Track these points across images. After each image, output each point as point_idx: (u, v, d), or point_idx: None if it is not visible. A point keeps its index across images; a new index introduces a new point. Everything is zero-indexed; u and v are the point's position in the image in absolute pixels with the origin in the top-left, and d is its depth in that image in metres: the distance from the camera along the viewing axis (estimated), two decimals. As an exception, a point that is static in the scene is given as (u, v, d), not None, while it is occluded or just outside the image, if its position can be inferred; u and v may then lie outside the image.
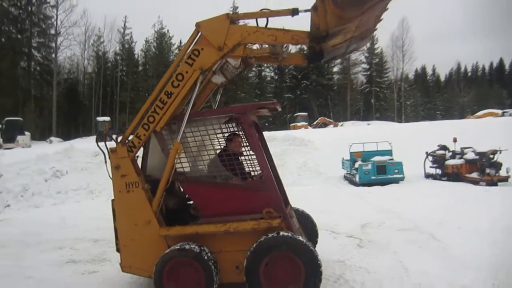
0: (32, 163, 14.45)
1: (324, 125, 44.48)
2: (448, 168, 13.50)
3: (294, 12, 4.13)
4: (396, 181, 13.44)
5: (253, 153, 4.64)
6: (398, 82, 63.17)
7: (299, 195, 10.96)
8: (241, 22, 4.52)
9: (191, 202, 5.00)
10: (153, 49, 60.99)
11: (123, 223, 4.59)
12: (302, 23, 4.24)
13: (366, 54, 65.55)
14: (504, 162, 12.46)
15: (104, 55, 58.51)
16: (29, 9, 52.24)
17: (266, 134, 22.19)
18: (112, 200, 4.68)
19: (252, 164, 5.07)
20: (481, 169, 12.59)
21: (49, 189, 13.24)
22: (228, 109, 4.78)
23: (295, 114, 50.65)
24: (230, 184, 4.43)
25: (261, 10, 4.33)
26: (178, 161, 4.48)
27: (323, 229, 7.23)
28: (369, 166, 13.52)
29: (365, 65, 66.92)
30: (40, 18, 53.34)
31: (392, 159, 14.06)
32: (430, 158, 14.52)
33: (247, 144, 4.85)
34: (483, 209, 8.38)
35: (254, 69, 62.92)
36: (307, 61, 4.74)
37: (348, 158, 15.16)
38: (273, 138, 19.76)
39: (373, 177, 13.38)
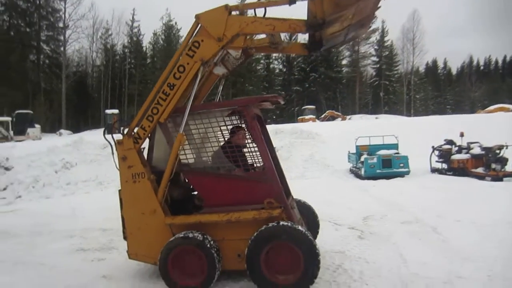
0: (42, 155, 14.73)
1: (332, 118, 44.32)
2: (454, 162, 13.49)
3: (292, 1, 4.20)
4: (401, 175, 13.47)
5: (256, 145, 4.76)
6: (408, 75, 62.59)
7: (305, 187, 11.17)
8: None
9: (195, 192, 5.15)
10: (161, 42, 61.18)
11: (129, 212, 4.76)
12: (300, 12, 4.31)
13: (376, 47, 65.09)
14: (511, 157, 12.43)
15: (112, 48, 58.87)
16: (37, 2, 52.63)
17: (273, 126, 22.40)
18: (119, 190, 4.84)
19: (256, 156, 5.20)
20: (487, 164, 12.55)
21: (59, 181, 13.52)
22: (231, 102, 4.89)
23: (303, 107, 50.44)
24: (232, 175, 4.56)
25: (259, 0, 4.42)
26: (183, 152, 4.63)
27: (326, 220, 7.38)
28: (375, 160, 13.56)
29: (374, 58, 66.39)
30: (49, 11, 53.77)
31: (398, 153, 14.07)
32: (436, 152, 14.51)
33: (250, 136, 4.98)
34: (486, 203, 8.42)
35: (262, 61, 62.87)
36: (307, 50, 4.85)
37: (354, 151, 15.21)
38: (281, 131, 19.85)
39: (378, 171, 13.43)
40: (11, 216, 9.85)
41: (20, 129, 33.04)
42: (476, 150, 13.18)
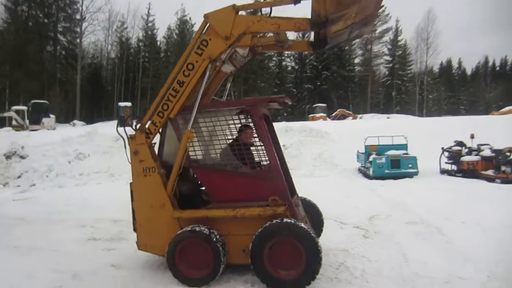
0: (56, 145, 15.09)
1: (343, 117, 44.21)
2: (463, 164, 13.43)
3: (296, 0, 4.34)
4: (410, 175, 13.45)
5: (262, 144, 4.89)
6: (421, 75, 61.92)
7: (313, 186, 11.27)
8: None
9: (203, 188, 5.31)
10: (175, 36, 61.52)
11: (140, 204, 4.94)
12: (305, 11, 4.46)
13: (389, 46, 64.44)
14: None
15: (127, 41, 59.45)
16: (56, -7, 53.50)
17: (283, 124, 22.46)
18: (131, 183, 5.03)
19: (262, 154, 5.33)
20: (497, 166, 12.48)
21: (72, 171, 13.84)
22: (240, 101, 5.04)
23: (314, 105, 50.31)
24: (239, 172, 4.71)
25: (265, 0, 4.56)
26: (192, 149, 4.79)
27: (332, 219, 7.48)
28: (383, 160, 13.57)
29: (387, 57, 65.78)
30: (66, 3, 54.71)
31: (406, 153, 14.06)
32: (446, 153, 14.45)
33: (257, 135, 5.11)
34: (493, 205, 8.43)
35: (274, 58, 62.80)
36: (312, 47, 4.98)
37: (363, 151, 15.23)
38: (290, 129, 19.90)
39: (386, 171, 13.44)
40: (25, 203, 10.18)
41: (35, 118, 33.75)
42: (486, 152, 13.10)
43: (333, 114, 46.11)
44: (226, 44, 4.60)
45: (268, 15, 4.58)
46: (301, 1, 4.34)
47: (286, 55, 64.41)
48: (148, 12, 60.28)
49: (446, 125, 22.06)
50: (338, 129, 21.42)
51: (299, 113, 57.08)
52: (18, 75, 43.59)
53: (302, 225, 4.26)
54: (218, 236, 4.48)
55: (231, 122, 4.84)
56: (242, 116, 4.88)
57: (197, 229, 4.48)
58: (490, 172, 12.61)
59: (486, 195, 9.69)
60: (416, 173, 13.57)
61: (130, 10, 67.83)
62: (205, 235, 4.43)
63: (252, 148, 5.19)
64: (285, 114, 55.96)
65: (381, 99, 64.88)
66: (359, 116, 44.84)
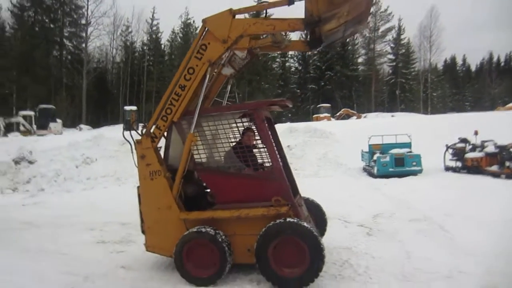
0: (64, 150, 15.30)
1: (347, 116, 44.16)
2: (468, 161, 13.48)
3: (290, 1, 4.52)
4: (414, 173, 13.52)
5: (265, 146, 5.01)
6: (425, 73, 61.68)
7: (318, 186, 11.37)
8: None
9: (208, 190, 5.44)
10: (179, 40, 61.84)
11: (147, 207, 5.08)
12: (300, 12, 4.62)
13: (392, 45, 64.24)
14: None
15: (132, 45, 59.86)
16: (62, -1, 54.05)
17: (287, 125, 22.54)
18: (138, 187, 5.18)
19: (265, 156, 5.45)
20: (501, 162, 12.52)
21: (80, 175, 14.02)
22: (242, 105, 5.20)
23: (318, 105, 50.32)
24: (243, 174, 4.85)
25: (260, 2, 4.70)
26: (196, 152, 4.92)
27: (336, 218, 7.58)
28: (387, 158, 13.65)
29: (391, 56, 65.57)
30: (72, 8, 55.32)
31: (410, 152, 14.12)
32: (450, 150, 14.49)
33: (259, 137, 5.23)
34: (496, 201, 8.48)
35: (278, 60, 62.92)
36: (308, 46, 5.13)
37: (368, 150, 15.30)
38: (295, 130, 20.01)
39: (391, 169, 13.51)
40: (34, 208, 10.37)
41: (42, 123, 34.10)
42: (490, 148, 13.15)
43: (337, 114, 46.09)
44: (224, 47, 4.76)
45: (264, 16, 4.73)
46: (295, 2, 4.50)
47: (289, 56, 64.57)
48: (153, 16, 60.73)
49: (451, 122, 22.06)
50: (342, 129, 21.50)
51: (303, 114, 57.06)
52: (25, 80, 44.09)
53: (305, 224, 4.38)
54: (223, 237, 4.61)
55: (234, 125, 4.97)
56: (244, 120, 5.01)
57: (203, 230, 4.61)
58: (494, 168, 12.65)
59: (490, 191, 9.75)
60: (420, 171, 13.62)
61: (134, 14, 68.03)
62: (211, 236, 4.56)
63: (255, 150, 5.31)
64: (290, 115, 56.02)
65: (385, 98, 64.67)
66: (363, 115, 44.73)
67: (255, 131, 5.11)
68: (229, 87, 6.03)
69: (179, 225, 4.85)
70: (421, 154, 13.82)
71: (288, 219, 4.39)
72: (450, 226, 6.72)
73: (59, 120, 36.38)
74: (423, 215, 7.66)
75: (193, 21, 61.63)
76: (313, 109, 54.06)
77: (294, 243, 4.33)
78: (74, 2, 54.90)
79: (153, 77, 57.35)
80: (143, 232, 5.21)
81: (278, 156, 4.87)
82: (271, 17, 4.85)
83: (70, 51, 57.56)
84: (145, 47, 61.04)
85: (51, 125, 34.42)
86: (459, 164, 14.03)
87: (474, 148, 13.81)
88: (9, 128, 31.55)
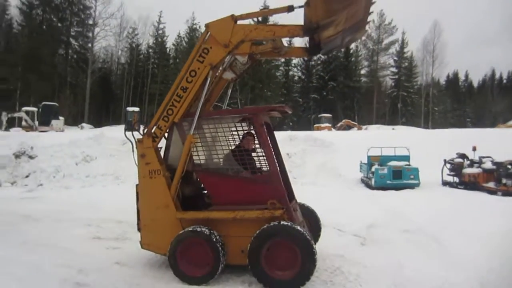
0: (64, 147, 15.41)
1: (348, 127, 44.26)
2: (465, 176, 13.52)
3: (290, 8, 4.68)
4: (411, 186, 13.55)
5: (263, 150, 5.11)
6: (427, 87, 61.88)
7: (315, 194, 11.39)
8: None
9: (206, 191, 5.53)
10: (184, 44, 62.21)
11: (145, 205, 5.17)
12: (300, 19, 4.78)
13: (395, 58, 64.56)
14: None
15: (137, 47, 60.22)
16: (70, -1, 54.52)
17: (288, 133, 22.51)
18: (137, 185, 5.26)
19: (263, 160, 5.54)
20: (498, 179, 12.57)
21: (79, 172, 14.13)
22: (242, 110, 5.32)
23: (319, 115, 50.47)
24: (240, 177, 4.94)
25: (261, 9, 4.84)
26: (196, 153, 5.02)
27: (331, 227, 7.63)
28: (385, 171, 13.70)
29: (393, 69, 65.87)
30: (80, 9, 55.79)
31: (408, 165, 14.18)
32: (448, 165, 14.54)
33: (258, 142, 5.33)
34: (491, 216, 8.49)
35: (281, 68, 63.23)
36: (307, 53, 5.27)
37: (366, 161, 15.36)
38: (295, 138, 20.04)
39: (388, 182, 13.56)
40: (33, 202, 10.45)
41: (45, 120, 34.23)
42: (488, 165, 13.19)
43: (338, 125, 46.20)
44: (225, 52, 4.91)
45: (265, 23, 4.86)
46: (295, 10, 4.66)
47: (293, 64, 64.90)
48: (159, 19, 61.23)
49: (451, 137, 22.10)
50: (342, 139, 21.53)
51: (304, 123, 57.18)
52: (30, 77, 44.35)
53: (298, 227, 4.46)
54: (218, 237, 4.68)
55: (233, 129, 5.07)
56: (244, 124, 5.11)
57: (199, 229, 4.69)
58: (491, 185, 12.69)
59: (485, 207, 9.74)
60: (417, 184, 13.66)
61: (141, 17, 68.54)
62: (205, 236, 4.64)
63: (253, 154, 5.40)
64: (291, 124, 56.19)
65: (387, 111, 64.80)
66: (364, 127, 44.84)
67: (255, 136, 5.21)
68: (229, 91, 6.15)
69: (175, 224, 4.93)
70: (419, 168, 13.87)
71: (282, 222, 4.46)
72: (444, 238, 6.75)
73: (61, 118, 36.50)
74: (418, 227, 7.68)
75: (199, 26, 62.04)
76: (315, 119, 54.22)
77: (287, 246, 4.41)
78: (82, 3, 55.44)
79: (157, 80, 57.60)
80: (139, 230, 5.30)
81: (276, 161, 4.95)
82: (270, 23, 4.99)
83: (76, 50, 57.96)
84: (150, 50, 61.44)
85: (53, 122, 34.55)
86: (456, 179, 14.08)
87: (472, 163, 13.86)
88: (12, 123, 31.72)
